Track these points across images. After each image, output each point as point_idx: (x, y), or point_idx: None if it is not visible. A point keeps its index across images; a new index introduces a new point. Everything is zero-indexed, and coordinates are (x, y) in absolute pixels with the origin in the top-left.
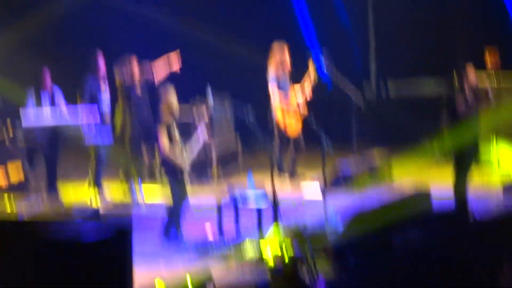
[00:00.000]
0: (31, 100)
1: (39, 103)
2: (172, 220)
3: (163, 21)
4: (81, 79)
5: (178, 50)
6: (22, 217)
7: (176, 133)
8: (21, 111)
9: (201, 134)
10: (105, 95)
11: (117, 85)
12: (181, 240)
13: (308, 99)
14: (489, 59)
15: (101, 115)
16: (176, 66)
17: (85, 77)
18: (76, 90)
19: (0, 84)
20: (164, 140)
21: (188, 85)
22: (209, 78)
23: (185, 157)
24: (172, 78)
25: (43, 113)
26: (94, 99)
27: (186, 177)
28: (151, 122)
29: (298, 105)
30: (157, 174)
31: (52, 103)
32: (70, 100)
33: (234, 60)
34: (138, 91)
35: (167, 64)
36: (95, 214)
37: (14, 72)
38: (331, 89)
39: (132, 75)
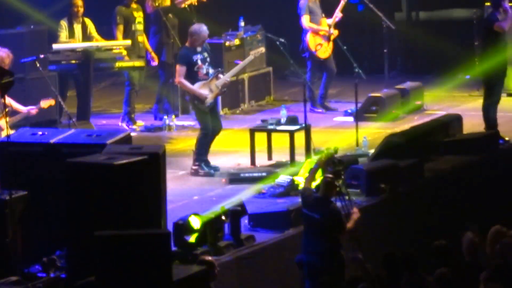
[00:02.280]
0: (64, 31)
1: (72, 35)
2: (202, 150)
3: None
4: (113, 10)
5: None
6: (53, 140)
7: (202, 62)
8: (53, 44)
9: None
10: (139, 21)
11: (150, 11)
12: (212, 168)
13: (338, 19)
14: None
15: (135, 40)
16: None
17: (118, 6)
18: (111, 21)
19: (34, 17)
20: (181, 71)
21: (221, 18)
22: (241, 10)
23: (212, 83)
24: (205, 10)
25: (74, 45)
26: (128, 26)
27: (212, 104)
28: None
29: (329, 28)
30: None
31: (85, 34)
32: (102, 32)
33: None
34: (170, 16)
35: None
36: (126, 137)
37: (48, 3)
38: (362, 11)
39: (165, 3)
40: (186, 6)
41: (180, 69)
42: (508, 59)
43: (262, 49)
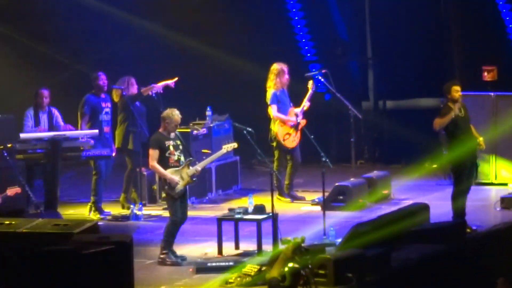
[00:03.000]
0: (30, 120)
1: (37, 124)
2: (170, 238)
3: (165, 43)
4: (81, 98)
5: (177, 78)
6: (20, 229)
7: (174, 148)
8: (21, 134)
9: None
10: (106, 111)
11: (117, 100)
12: (179, 258)
13: (306, 108)
14: (487, 78)
15: (101, 130)
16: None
17: (86, 96)
18: (77, 110)
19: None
20: (155, 156)
21: (189, 107)
22: (209, 99)
23: (183, 171)
24: (173, 99)
25: (41, 134)
26: (95, 116)
27: (182, 192)
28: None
29: (296, 117)
30: (157, 191)
31: (51, 124)
32: (70, 121)
33: (235, 81)
34: (137, 106)
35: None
36: (94, 227)
37: (14, 93)
38: (329, 100)
39: (132, 91)
40: (151, 94)
41: (153, 153)
42: (476, 149)
43: (235, 145)
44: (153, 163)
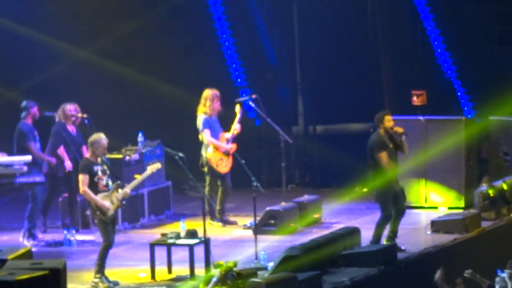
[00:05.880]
0: None
1: None
2: (102, 262)
3: (97, 70)
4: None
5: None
6: None
7: (102, 173)
8: None
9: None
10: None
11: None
12: (112, 283)
13: (236, 133)
14: (416, 102)
15: (35, 155)
16: None
17: (22, 124)
18: (14, 138)
19: None
20: (85, 181)
21: (121, 133)
22: (141, 125)
23: (113, 196)
24: (105, 125)
25: None
26: (28, 141)
27: (113, 216)
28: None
29: (227, 142)
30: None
31: None
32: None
33: (166, 106)
34: (72, 130)
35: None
36: (27, 253)
37: None
38: (260, 125)
39: (66, 116)
40: (84, 116)
41: (83, 178)
42: (397, 176)
43: (159, 165)
44: (84, 188)
